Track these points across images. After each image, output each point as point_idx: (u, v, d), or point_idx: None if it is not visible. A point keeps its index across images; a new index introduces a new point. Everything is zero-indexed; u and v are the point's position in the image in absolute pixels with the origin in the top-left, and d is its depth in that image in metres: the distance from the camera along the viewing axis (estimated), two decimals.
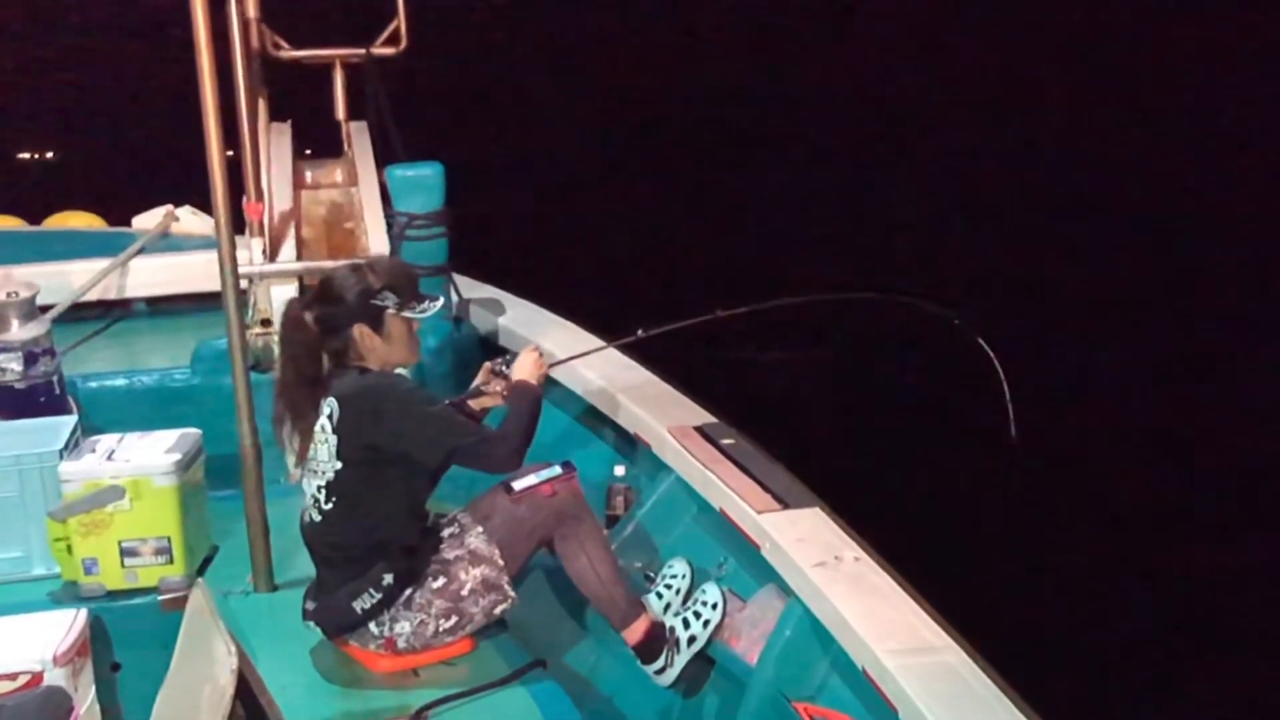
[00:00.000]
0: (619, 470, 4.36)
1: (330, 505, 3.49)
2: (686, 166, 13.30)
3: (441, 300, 3.69)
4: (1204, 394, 8.61)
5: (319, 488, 3.51)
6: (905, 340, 8.01)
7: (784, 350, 8.68)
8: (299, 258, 5.40)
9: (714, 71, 15.87)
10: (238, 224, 4.43)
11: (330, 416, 3.46)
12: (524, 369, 3.76)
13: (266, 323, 5.22)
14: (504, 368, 3.87)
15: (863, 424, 8.18)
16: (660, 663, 3.63)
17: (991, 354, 3.90)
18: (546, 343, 4.86)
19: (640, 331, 4.17)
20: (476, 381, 3.92)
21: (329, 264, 4.74)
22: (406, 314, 3.56)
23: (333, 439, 3.45)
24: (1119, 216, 11.94)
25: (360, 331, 3.52)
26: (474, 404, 3.88)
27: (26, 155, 15.21)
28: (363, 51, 5.96)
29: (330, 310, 3.53)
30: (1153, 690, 5.69)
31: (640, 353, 4.59)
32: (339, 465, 3.46)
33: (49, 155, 15.25)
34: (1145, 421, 8.15)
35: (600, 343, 4.54)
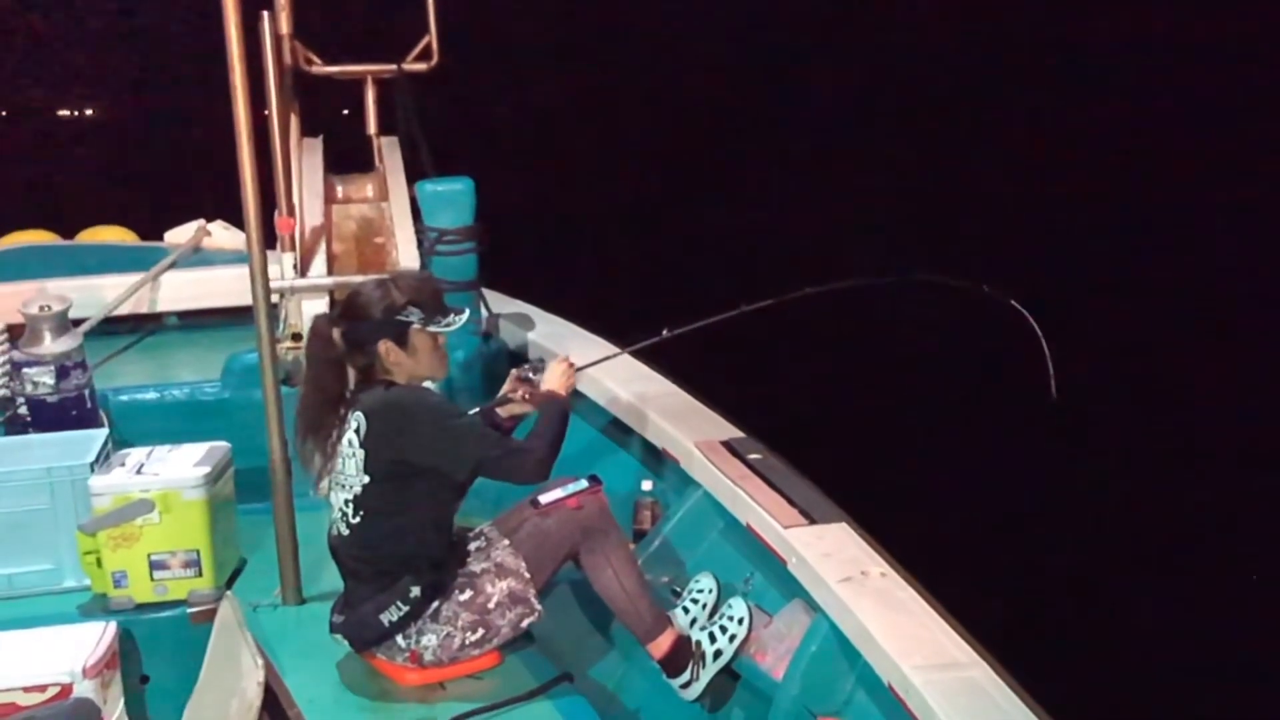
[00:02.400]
0: (646, 485, 4.36)
1: (358, 519, 3.50)
2: (702, 168, 13.34)
3: (467, 313, 3.66)
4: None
5: (346, 501, 3.52)
6: (925, 336, 7.97)
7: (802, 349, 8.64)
8: (329, 272, 5.43)
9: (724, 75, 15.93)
10: (269, 239, 4.46)
11: (358, 430, 3.47)
12: (553, 379, 3.77)
13: (297, 337, 5.25)
14: (531, 374, 3.88)
15: (884, 433, 8.16)
16: (686, 677, 3.63)
17: (1026, 313, 3.85)
18: (574, 357, 4.87)
19: (665, 331, 4.16)
20: (504, 389, 3.93)
21: (359, 279, 4.75)
22: (431, 329, 3.56)
23: (360, 453, 3.46)
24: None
25: (385, 347, 3.52)
26: (502, 412, 3.89)
27: (66, 112, 15.47)
28: (394, 67, 6.00)
29: (355, 326, 3.54)
30: (1184, 705, 5.64)
31: (661, 360, 4.58)
32: (366, 479, 3.47)
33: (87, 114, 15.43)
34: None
35: (627, 348, 4.53)
